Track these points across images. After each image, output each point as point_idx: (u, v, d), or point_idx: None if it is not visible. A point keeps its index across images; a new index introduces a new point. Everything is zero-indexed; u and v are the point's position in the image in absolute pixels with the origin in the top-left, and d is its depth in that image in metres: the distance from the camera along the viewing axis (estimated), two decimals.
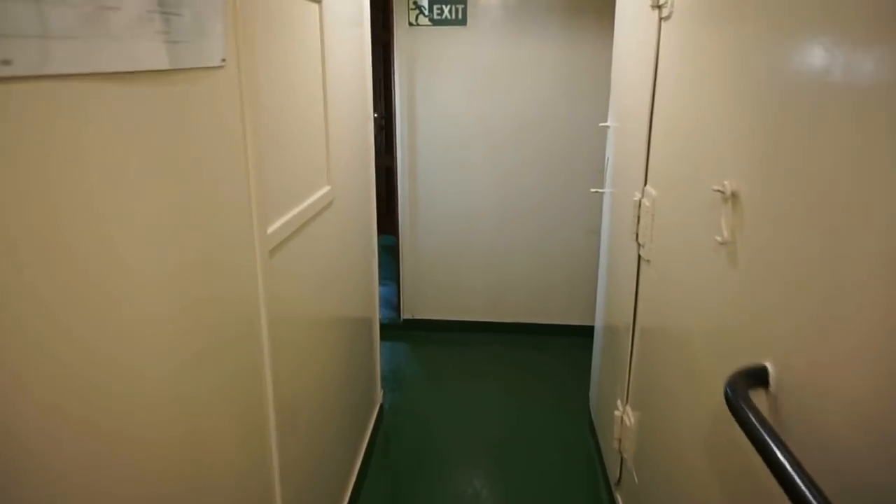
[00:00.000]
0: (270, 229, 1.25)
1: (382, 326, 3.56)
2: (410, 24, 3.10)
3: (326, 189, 1.70)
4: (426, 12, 3.07)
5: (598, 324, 2.47)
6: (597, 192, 2.31)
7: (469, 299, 3.47)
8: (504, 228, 3.34)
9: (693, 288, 1.27)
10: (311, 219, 1.58)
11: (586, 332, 3.42)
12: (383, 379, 2.93)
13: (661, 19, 1.56)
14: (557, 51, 3.06)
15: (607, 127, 2.24)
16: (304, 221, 1.49)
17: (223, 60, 1.03)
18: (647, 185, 1.67)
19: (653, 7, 1.61)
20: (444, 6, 3.05)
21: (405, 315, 3.52)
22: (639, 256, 1.75)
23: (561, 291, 3.42)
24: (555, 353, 3.28)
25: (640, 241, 1.70)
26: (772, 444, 0.74)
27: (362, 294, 2.30)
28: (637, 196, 1.74)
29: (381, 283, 4.47)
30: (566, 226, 3.31)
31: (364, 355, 2.34)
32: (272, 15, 1.26)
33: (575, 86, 3.10)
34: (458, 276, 3.44)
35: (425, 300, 3.50)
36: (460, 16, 3.07)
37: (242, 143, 1.11)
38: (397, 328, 3.53)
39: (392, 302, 3.83)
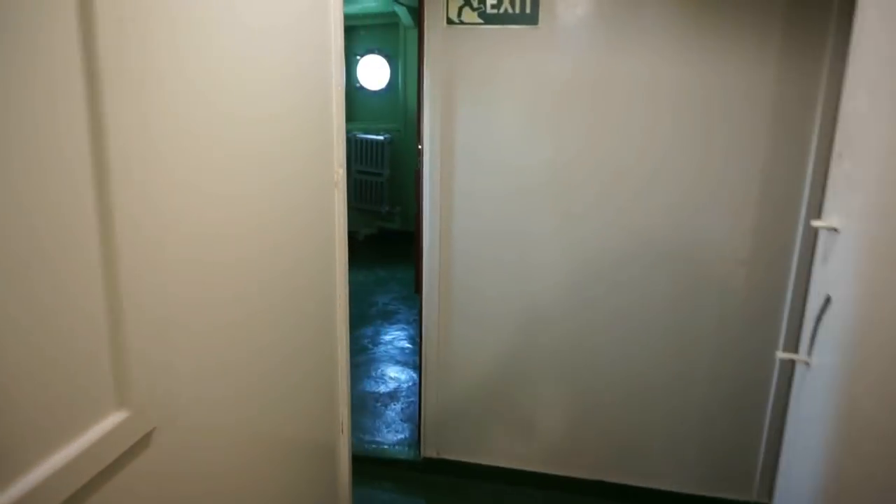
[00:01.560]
0: None
1: (393, 463, 2.45)
2: (450, 21, 2.00)
3: (118, 419, 0.62)
4: (475, 4, 1.97)
5: None
6: (792, 359, 1.11)
7: (523, 439, 2.29)
8: (581, 343, 2.16)
9: None
10: None
11: None
12: None
13: None
14: (689, 67, 1.87)
15: (830, 231, 1.03)
16: None
17: None
18: None
19: None
20: None
21: (427, 452, 2.39)
22: None
23: (663, 444, 2.18)
24: None
25: None
26: None
27: None
28: None
29: (402, 369, 3.35)
30: (682, 352, 2.08)
31: None
32: None
33: (721, 129, 1.89)
34: (511, 404, 2.27)
35: (457, 433, 2.35)
36: (528, 9, 1.94)
37: None
38: (414, 469, 2.40)
39: (412, 418, 2.71)
